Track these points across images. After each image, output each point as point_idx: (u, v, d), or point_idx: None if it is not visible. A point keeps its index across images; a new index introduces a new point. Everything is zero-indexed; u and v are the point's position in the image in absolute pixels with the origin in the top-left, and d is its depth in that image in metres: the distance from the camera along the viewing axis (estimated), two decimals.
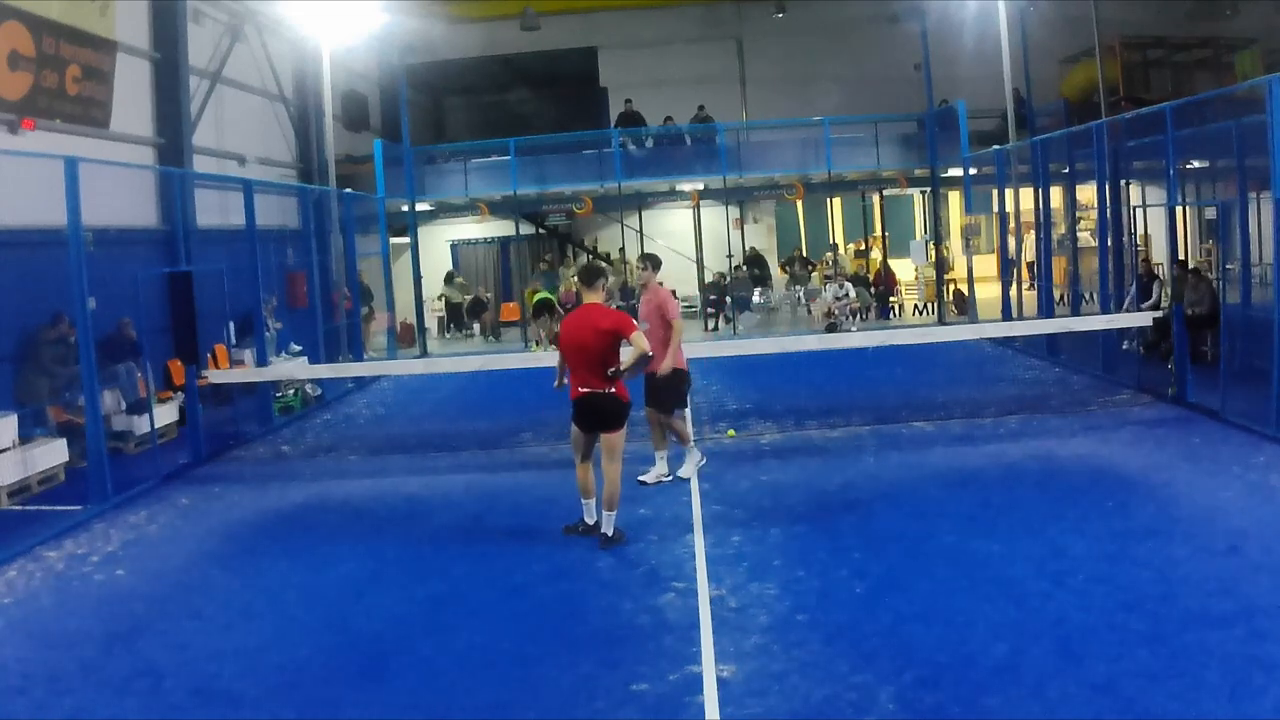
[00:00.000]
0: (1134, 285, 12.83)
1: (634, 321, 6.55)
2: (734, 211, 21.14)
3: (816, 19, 22.27)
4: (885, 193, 22.11)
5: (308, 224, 14.91)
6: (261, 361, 12.27)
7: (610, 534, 6.40)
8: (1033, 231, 16.22)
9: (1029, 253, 17.09)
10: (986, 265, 19.98)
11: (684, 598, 5.44)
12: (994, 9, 17.02)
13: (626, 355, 6.39)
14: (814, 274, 21.29)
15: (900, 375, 12.29)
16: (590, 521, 6.62)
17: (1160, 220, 13.44)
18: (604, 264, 18.36)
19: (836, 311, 18.07)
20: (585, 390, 6.36)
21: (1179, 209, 11.49)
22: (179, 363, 11.04)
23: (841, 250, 22.34)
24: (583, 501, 6.67)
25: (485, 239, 23.26)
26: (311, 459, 9.95)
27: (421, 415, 12.27)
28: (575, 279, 19.49)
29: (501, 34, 22.50)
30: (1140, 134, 12.14)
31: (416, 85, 22.72)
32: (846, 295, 18.29)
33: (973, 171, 18.17)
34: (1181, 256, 12.21)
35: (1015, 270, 16.00)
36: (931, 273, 20.12)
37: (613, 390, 6.34)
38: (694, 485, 7.79)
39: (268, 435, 11.17)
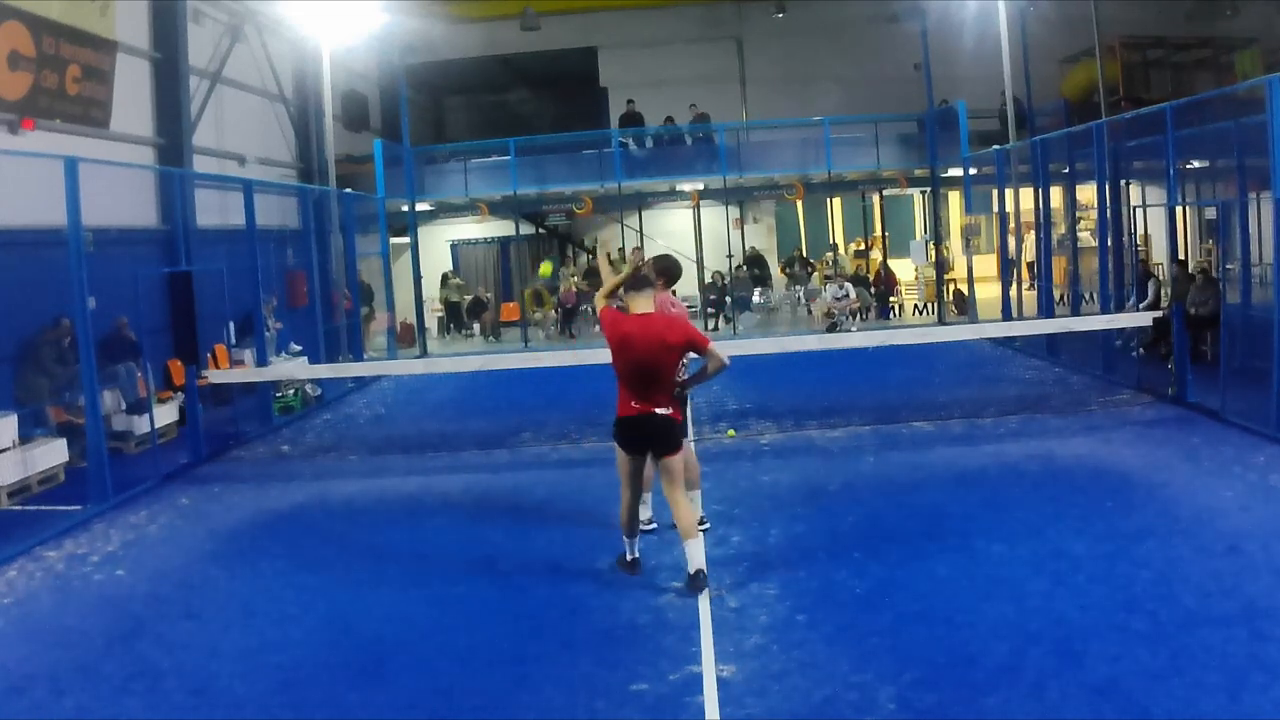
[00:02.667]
0: (1134, 286, 12.84)
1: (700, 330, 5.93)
2: (734, 211, 21.12)
3: (816, 19, 22.25)
4: (885, 193, 22.09)
5: (308, 224, 14.90)
6: (261, 361, 12.27)
7: (700, 568, 5.45)
8: (1033, 231, 16.22)
9: (1029, 253, 17.08)
10: (986, 265, 19.95)
11: (684, 598, 5.42)
12: (994, 9, 17.01)
13: (709, 366, 5.75)
14: (814, 274, 21.28)
15: (900, 375, 12.27)
16: (631, 558, 5.88)
17: (1160, 220, 13.45)
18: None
19: (836, 311, 18.06)
20: (640, 408, 5.50)
21: (1179, 209, 11.49)
22: (179, 363, 11.06)
23: (841, 250, 22.34)
24: (625, 540, 5.84)
25: (485, 239, 23.25)
26: (311, 459, 9.95)
27: (421, 415, 12.26)
28: (581, 281, 19.56)
29: (501, 34, 22.49)
30: (1140, 134, 12.14)
31: (416, 85, 22.72)
32: (846, 295, 18.27)
33: (973, 171, 18.15)
34: (1182, 256, 12.22)
35: (1015, 270, 16.00)
36: (931, 273, 20.10)
37: (672, 411, 5.59)
38: None
39: (268, 435, 11.17)
